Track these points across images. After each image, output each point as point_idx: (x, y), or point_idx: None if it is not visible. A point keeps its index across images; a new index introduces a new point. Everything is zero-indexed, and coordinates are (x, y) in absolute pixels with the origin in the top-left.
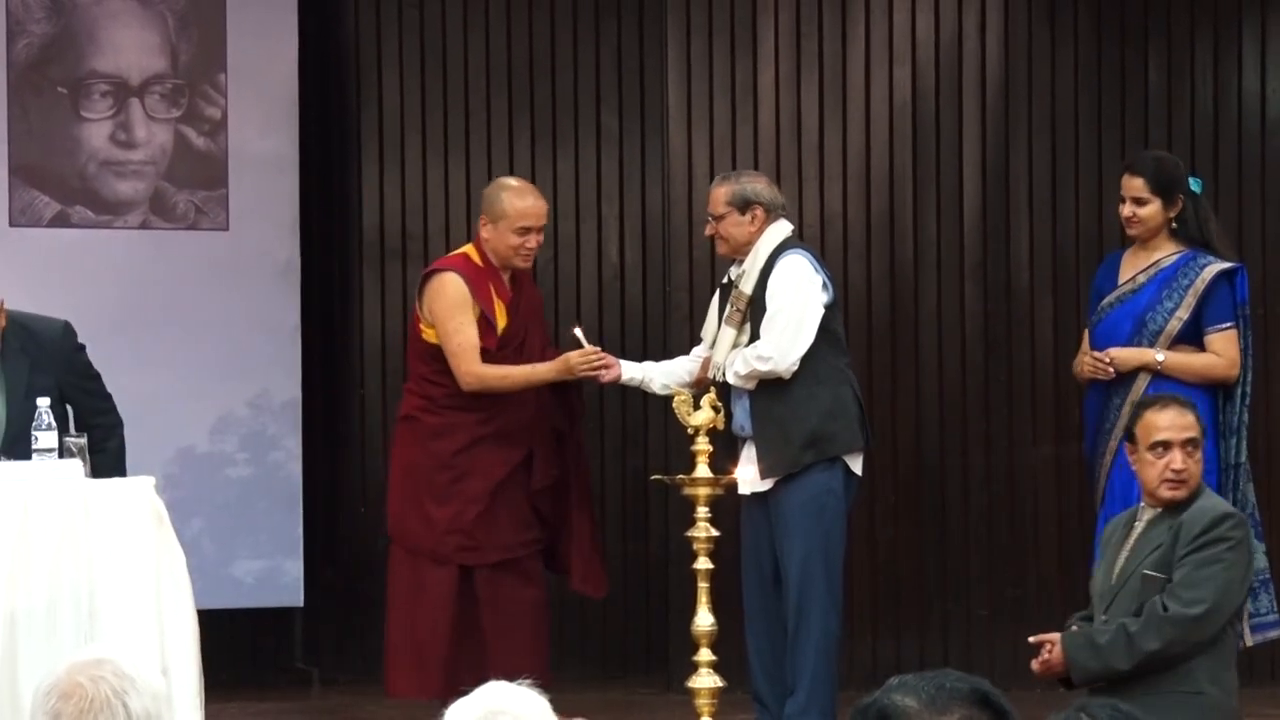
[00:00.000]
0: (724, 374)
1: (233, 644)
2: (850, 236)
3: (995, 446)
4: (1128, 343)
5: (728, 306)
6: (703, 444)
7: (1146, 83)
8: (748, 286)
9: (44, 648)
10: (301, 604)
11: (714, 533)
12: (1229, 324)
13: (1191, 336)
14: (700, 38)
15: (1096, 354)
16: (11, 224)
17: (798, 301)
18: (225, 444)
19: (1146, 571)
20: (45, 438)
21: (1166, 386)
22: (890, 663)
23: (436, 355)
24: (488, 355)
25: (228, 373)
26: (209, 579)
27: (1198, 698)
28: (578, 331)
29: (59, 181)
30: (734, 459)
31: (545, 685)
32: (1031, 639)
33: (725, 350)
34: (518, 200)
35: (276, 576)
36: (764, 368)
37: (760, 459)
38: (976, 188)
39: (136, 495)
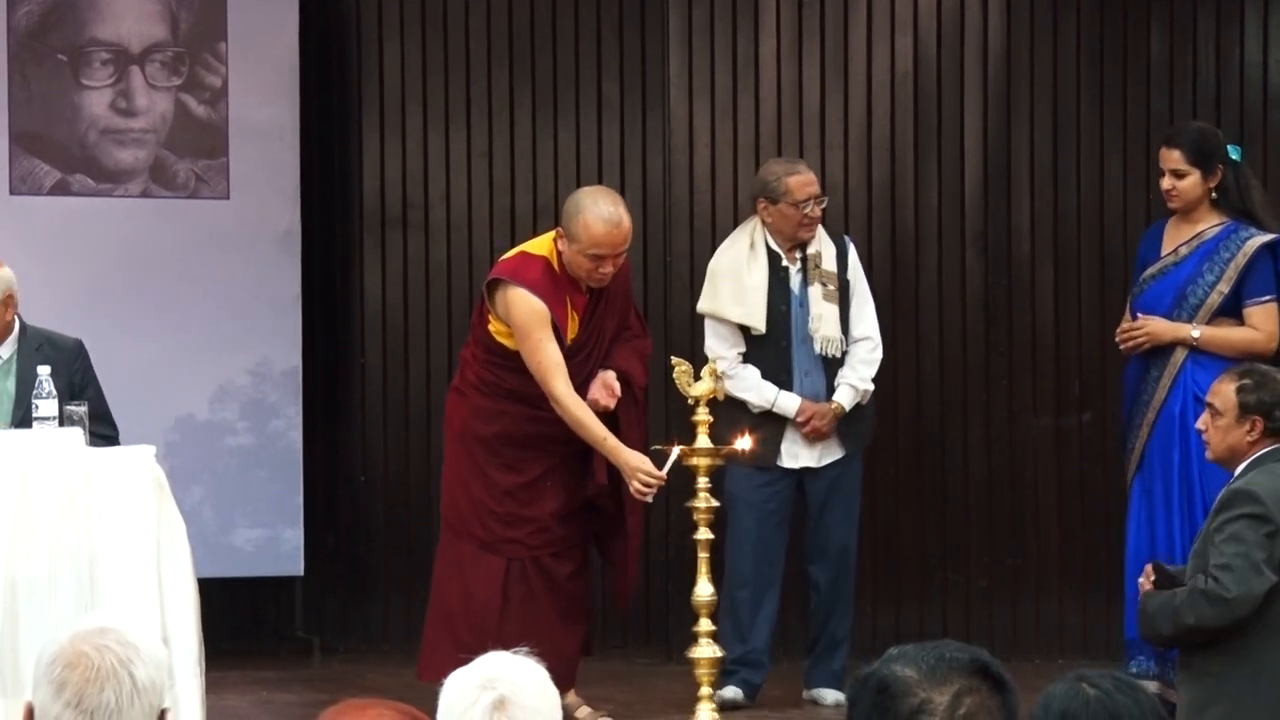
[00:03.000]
0: (859, 397)
1: (233, 613)
2: (851, 206)
3: (995, 417)
4: (1168, 315)
5: (820, 285)
6: (703, 414)
7: (1149, 53)
8: (831, 265)
9: (45, 615)
10: (301, 573)
11: (714, 503)
12: (1270, 297)
13: (1232, 310)
14: (701, 7)
15: (1128, 322)
16: (12, 192)
17: (868, 288)
18: (225, 412)
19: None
20: (46, 405)
21: (1205, 361)
22: (889, 632)
23: (503, 352)
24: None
25: (228, 341)
26: (209, 548)
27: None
28: (673, 454)
29: (59, 150)
30: (745, 430)
31: (563, 685)
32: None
33: (834, 323)
34: (595, 227)
35: (277, 545)
36: (879, 356)
37: (845, 438)
38: (978, 157)
39: (137, 463)
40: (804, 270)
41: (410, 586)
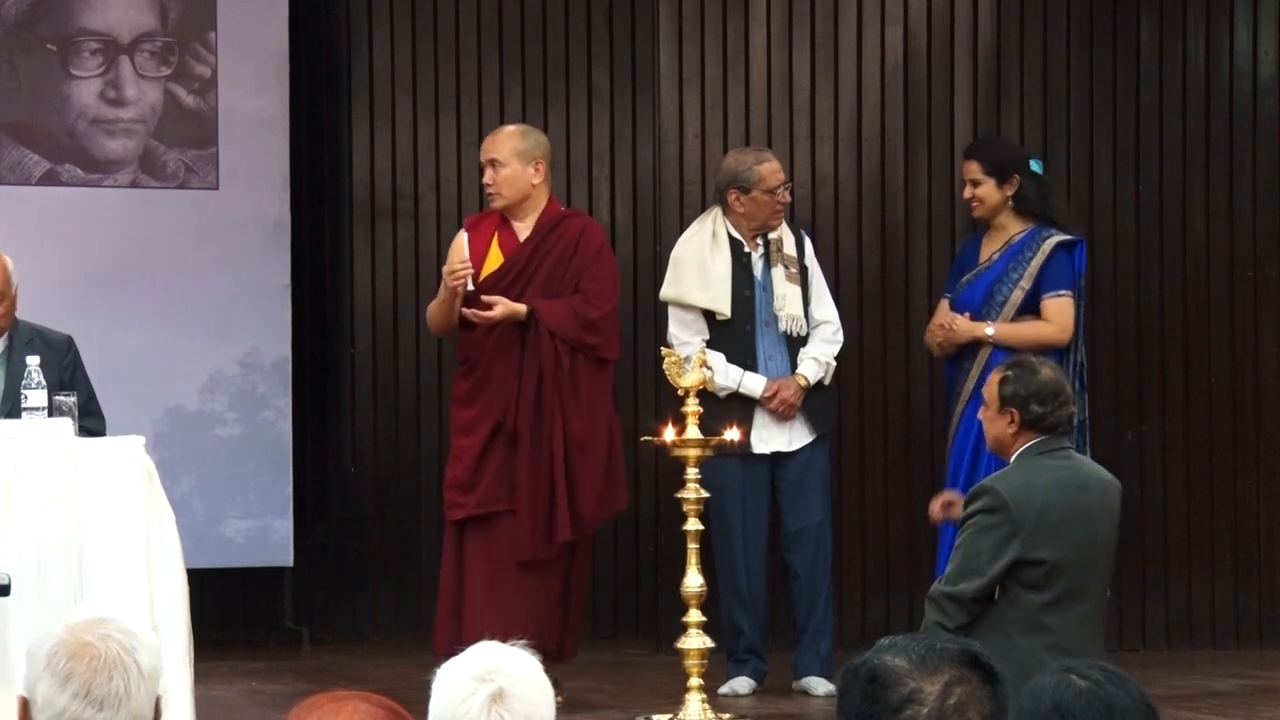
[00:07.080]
0: (823, 371)
1: (222, 603)
2: (841, 197)
3: None
4: (978, 313)
5: (783, 267)
6: (693, 405)
7: (1138, 44)
8: (792, 251)
9: (34, 606)
10: (291, 563)
11: (704, 494)
12: (1065, 291)
13: (1032, 307)
14: None
15: (943, 321)
16: (1, 182)
17: (824, 280)
18: (215, 403)
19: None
20: (35, 396)
21: (1003, 355)
22: (879, 622)
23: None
24: (468, 298)
25: (218, 332)
26: (198, 538)
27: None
28: (461, 235)
29: (49, 139)
30: (734, 421)
31: (546, 650)
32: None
33: (798, 303)
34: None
35: (266, 536)
36: (841, 339)
37: (813, 419)
38: None
39: (126, 454)
40: (766, 255)
41: (400, 577)
